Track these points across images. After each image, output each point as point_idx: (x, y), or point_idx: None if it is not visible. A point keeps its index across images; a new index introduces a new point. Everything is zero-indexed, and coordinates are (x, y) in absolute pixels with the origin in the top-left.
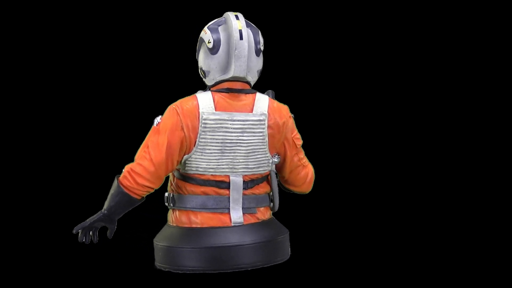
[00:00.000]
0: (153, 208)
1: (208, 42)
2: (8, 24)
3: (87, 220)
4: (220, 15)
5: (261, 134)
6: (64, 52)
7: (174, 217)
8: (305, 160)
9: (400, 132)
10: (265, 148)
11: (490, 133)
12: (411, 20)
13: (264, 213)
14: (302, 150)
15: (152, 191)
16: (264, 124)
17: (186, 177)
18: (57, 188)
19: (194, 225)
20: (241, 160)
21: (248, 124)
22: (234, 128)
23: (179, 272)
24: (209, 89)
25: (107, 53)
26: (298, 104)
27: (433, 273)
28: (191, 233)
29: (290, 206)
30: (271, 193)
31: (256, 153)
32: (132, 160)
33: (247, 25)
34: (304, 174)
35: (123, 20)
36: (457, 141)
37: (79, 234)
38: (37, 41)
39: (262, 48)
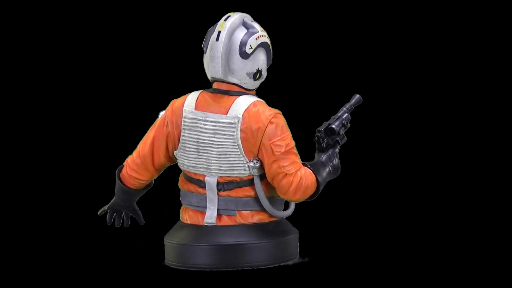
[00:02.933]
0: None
1: (202, 42)
2: (8, 24)
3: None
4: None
5: (231, 137)
6: (66, 52)
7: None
8: (290, 168)
9: (412, 133)
10: (238, 151)
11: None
12: (418, 16)
13: (247, 217)
14: (289, 158)
15: (144, 182)
16: (235, 127)
17: (183, 173)
18: (63, 184)
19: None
20: (213, 161)
21: (220, 126)
22: (206, 129)
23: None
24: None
25: (113, 53)
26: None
27: (444, 276)
28: (180, 230)
29: (300, 208)
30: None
31: (228, 156)
32: None
33: (249, 27)
34: (286, 183)
35: (130, 17)
36: (469, 142)
37: (107, 216)
38: (38, 40)
39: (250, 51)
